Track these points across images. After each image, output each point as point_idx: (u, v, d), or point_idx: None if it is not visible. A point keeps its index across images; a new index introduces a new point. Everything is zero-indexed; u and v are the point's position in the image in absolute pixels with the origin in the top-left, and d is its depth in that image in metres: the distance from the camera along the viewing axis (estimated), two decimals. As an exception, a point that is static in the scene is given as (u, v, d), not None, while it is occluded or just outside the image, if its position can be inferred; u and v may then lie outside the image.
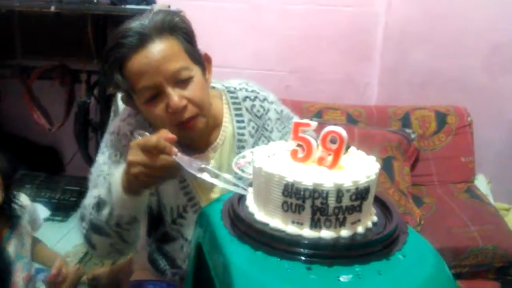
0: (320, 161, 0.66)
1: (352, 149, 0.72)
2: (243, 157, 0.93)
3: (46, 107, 2.67)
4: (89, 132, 2.56)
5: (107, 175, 1.04)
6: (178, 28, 1.00)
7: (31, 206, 1.56)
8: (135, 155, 0.83)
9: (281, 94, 1.29)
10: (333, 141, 0.66)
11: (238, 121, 1.16)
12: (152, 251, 1.22)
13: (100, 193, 0.98)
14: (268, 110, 1.19)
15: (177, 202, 1.12)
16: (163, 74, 0.95)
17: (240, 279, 0.60)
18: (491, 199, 2.14)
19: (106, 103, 2.37)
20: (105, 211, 0.94)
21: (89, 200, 1.02)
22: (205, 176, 0.81)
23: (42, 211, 2.39)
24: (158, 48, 0.95)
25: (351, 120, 2.22)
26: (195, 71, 1.01)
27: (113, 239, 0.97)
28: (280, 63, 2.48)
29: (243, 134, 1.15)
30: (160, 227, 1.17)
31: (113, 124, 1.12)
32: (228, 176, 0.81)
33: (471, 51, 2.36)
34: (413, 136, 2.19)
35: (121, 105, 2.24)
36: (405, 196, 1.96)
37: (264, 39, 2.44)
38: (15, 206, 1.45)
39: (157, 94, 0.97)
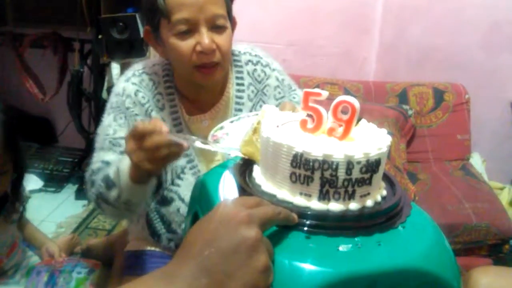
0: (330, 132, 0.64)
1: (363, 121, 0.71)
2: (221, 128, 0.92)
3: (39, 76, 2.62)
4: (82, 102, 2.52)
5: (113, 139, 1.08)
6: None
7: None
8: (130, 144, 0.85)
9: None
10: (344, 112, 0.64)
11: (238, 84, 1.17)
12: (150, 211, 1.21)
13: (108, 160, 1.03)
14: (269, 76, 1.20)
15: (176, 163, 1.12)
16: (204, 13, 0.99)
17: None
18: (485, 178, 2.15)
19: (100, 73, 2.32)
20: (114, 193, 0.97)
21: (97, 164, 1.06)
22: (198, 144, 0.81)
23: (35, 182, 2.37)
24: None
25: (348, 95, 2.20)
26: (228, 25, 1.05)
27: (121, 210, 1.02)
28: (277, 35, 2.44)
29: (241, 97, 1.17)
30: (159, 190, 1.17)
31: (118, 84, 1.14)
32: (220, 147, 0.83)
33: (470, 28, 2.34)
34: (410, 112, 2.18)
35: (115, 74, 2.21)
36: (400, 172, 1.97)
37: (261, 11, 2.40)
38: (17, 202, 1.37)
39: (190, 30, 1.00)
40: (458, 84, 2.30)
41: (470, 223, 1.76)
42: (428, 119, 2.26)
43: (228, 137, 0.87)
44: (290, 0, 2.38)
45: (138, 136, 0.83)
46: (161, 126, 0.82)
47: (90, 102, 2.50)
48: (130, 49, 2.03)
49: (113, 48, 2.07)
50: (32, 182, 2.35)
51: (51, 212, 2.18)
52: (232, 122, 0.94)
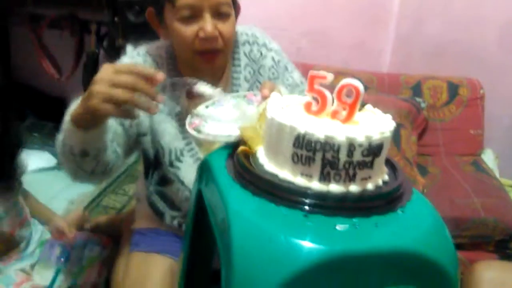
0: (334, 114, 0.65)
1: (369, 106, 0.71)
2: (197, 114, 0.90)
3: (55, 57, 2.65)
4: (97, 83, 2.54)
5: None
6: None
7: None
8: (105, 74, 0.80)
9: (292, 56, 1.29)
10: (348, 95, 0.64)
11: (234, 65, 1.17)
12: (150, 193, 1.23)
13: None
14: (265, 56, 1.20)
15: (175, 144, 1.12)
16: (209, 0, 0.98)
17: (236, 221, 0.61)
18: (497, 174, 2.13)
19: (116, 55, 2.34)
20: (61, 137, 0.94)
21: None
22: (192, 132, 0.81)
23: (49, 160, 2.41)
24: None
25: (361, 86, 2.19)
26: (232, 12, 1.04)
27: (71, 163, 0.96)
28: (292, 24, 2.43)
29: (238, 78, 1.17)
30: (157, 170, 1.18)
31: (122, 60, 1.14)
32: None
33: (488, 23, 2.30)
34: (423, 105, 2.17)
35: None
36: (410, 164, 1.96)
37: (277, -1, 2.39)
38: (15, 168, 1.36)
39: (194, 16, 1.00)
40: (474, 79, 2.27)
41: (478, 217, 1.75)
42: (441, 113, 2.24)
43: (208, 124, 0.85)
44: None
45: (128, 70, 0.79)
46: (155, 71, 0.81)
47: (105, 84, 2.52)
48: (146, 32, 2.04)
49: (129, 30, 2.09)
50: (45, 159, 2.40)
51: (63, 189, 2.21)
52: (207, 107, 0.93)
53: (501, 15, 2.27)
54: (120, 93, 0.78)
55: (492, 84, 2.30)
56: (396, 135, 1.99)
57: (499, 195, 1.88)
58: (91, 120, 0.85)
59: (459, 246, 1.78)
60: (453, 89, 2.24)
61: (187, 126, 0.86)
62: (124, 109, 0.81)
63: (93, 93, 0.79)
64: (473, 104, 2.23)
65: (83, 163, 0.95)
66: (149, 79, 0.80)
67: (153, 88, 0.81)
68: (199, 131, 0.83)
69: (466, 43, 2.35)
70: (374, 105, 0.70)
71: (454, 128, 2.22)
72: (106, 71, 0.80)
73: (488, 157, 2.28)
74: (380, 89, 2.22)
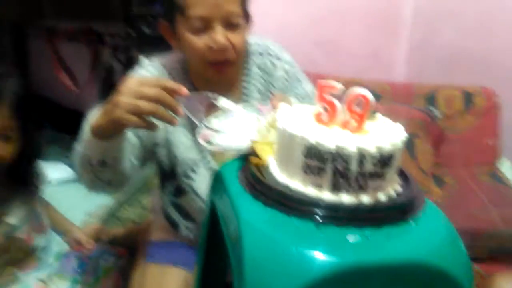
0: (345, 124, 0.65)
1: (379, 115, 0.71)
2: (208, 125, 0.90)
3: (72, 69, 2.70)
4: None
5: None
6: None
7: None
8: (130, 86, 0.82)
9: (305, 67, 1.29)
10: (359, 105, 0.64)
11: (246, 76, 1.18)
12: (165, 205, 1.24)
13: None
14: (277, 67, 1.20)
15: (190, 155, 1.13)
16: (220, 11, 1.00)
17: (248, 232, 0.61)
18: (515, 185, 2.10)
19: (131, 67, 2.38)
20: (79, 147, 0.96)
21: None
22: (202, 142, 0.83)
23: (66, 172, 2.45)
24: None
25: (374, 96, 2.17)
26: (243, 23, 1.06)
27: (88, 174, 0.98)
28: (305, 35, 2.43)
29: (249, 89, 1.18)
30: (172, 181, 1.19)
31: (137, 71, 1.16)
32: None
33: (502, 31, 2.28)
34: (438, 115, 2.15)
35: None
36: (426, 175, 1.94)
37: (289, 9, 2.40)
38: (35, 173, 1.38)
39: (205, 27, 1.01)
40: (488, 88, 2.24)
41: (495, 229, 1.72)
42: (456, 123, 2.21)
43: (219, 135, 0.86)
44: (318, 0, 2.37)
45: (153, 84, 0.81)
46: (180, 86, 0.83)
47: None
48: (161, 44, 2.07)
49: (144, 43, 2.12)
50: (62, 171, 2.43)
51: (81, 200, 2.22)
52: (218, 118, 0.92)
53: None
54: (146, 105, 0.80)
55: (508, 93, 2.27)
56: (410, 145, 1.97)
57: (517, 205, 1.85)
58: (112, 130, 0.87)
59: (476, 259, 1.74)
60: (468, 98, 2.22)
61: (198, 138, 0.87)
62: (147, 121, 0.83)
63: (118, 104, 0.81)
64: (488, 113, 2.20)
65: (101, 173, 0.97)
66: (172, 92, 0.82)
67: (176, 101, 0.83)
68: (210, 143, 0.84)
69: (480, 51, 2.33)
70: (388, 115, 0.70)
71: (470, 138, 2.19)
72: (131, 82, 0.82)
73: (507, 168, 2.25)
74: (394, 98, 2.21)
